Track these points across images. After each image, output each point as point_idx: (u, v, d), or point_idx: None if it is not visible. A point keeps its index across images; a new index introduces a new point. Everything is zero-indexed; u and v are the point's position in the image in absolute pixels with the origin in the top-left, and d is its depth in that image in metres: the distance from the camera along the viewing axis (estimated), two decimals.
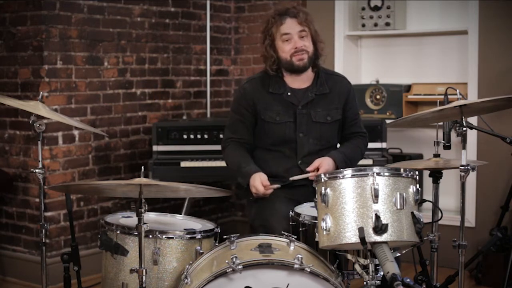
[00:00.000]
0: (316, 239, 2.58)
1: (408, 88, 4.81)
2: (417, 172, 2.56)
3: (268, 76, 3.31)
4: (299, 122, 3.25)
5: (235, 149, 3.29)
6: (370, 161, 4.22)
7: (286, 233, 2.66)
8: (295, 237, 2.63)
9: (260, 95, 3.28)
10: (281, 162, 3.25)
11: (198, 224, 2.95)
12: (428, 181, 3.40)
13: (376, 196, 2.43)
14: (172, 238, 2.73)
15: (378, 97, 4.81)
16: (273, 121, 3.25)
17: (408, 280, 2.23)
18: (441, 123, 3.06)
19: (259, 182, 3.10)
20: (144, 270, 2.47)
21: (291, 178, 3.16)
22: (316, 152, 3.24)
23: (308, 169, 3.15)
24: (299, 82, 3.30)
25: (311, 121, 3.25)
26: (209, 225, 2.93)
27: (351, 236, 2.42)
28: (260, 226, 3.08)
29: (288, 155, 3.26)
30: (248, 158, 3.26)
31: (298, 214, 2.89)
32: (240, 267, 2.37)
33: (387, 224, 2.39)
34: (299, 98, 3.27)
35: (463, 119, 2.74)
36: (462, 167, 2.76)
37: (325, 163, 3.14)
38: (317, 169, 3.13)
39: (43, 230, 3.01)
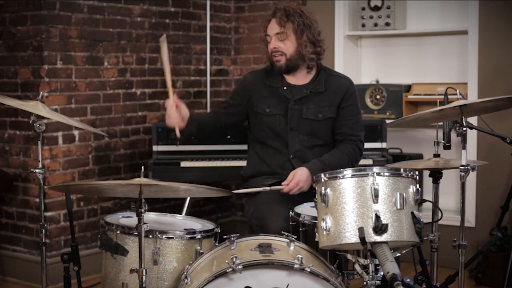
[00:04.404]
0: (316, 239, 2.58)
1: (408, 88, 4.81)
2: (417, 172, 2.56)
3: (270, 70, 3.38)
4: (290, 116, 3.28)
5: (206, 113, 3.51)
6: (370, 161, 4.22)
7: (286, 233, 2.66)
8: (295, 237, 2.63)
9: (257, 87, 3.37)
10: (274, 157, 3.30)
11: (198, 224, 2.95)
12: (428, 181, 3.40)
13: (376, 196, 2.43)
14: (172, 238, 2.73)
15: (378, 97, 4.81)
16: (264, 112, 3.32)
17: (408, 280, 2.23)
18: (441, 123, 3.06)
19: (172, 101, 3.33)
20: (144, 270, 2.47)
21: (234, 191, 3.13)
22: (309, 148, 3.28)
23: (284, 182, 3.10)
24: (297, 79, 3.35)
25: (301, 117, 3.28)
26: (209, 225, 2.93)
27: (351, 236, 2.42)
28: (257, 226, 3.09)
29: (280, 150, 3.29)
30: (200, 115, 3.44)
31: (298, 214, 2.89)
32: (240, 267, 2.37)
33: (387, 224, 2.39)
34: (294, 93, 3.31)
35: (463, 119, 2.74)
36: (462, 167, 2.76)
37: (298, 174, 3.08)
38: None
39: (43, 230, 3.01)
